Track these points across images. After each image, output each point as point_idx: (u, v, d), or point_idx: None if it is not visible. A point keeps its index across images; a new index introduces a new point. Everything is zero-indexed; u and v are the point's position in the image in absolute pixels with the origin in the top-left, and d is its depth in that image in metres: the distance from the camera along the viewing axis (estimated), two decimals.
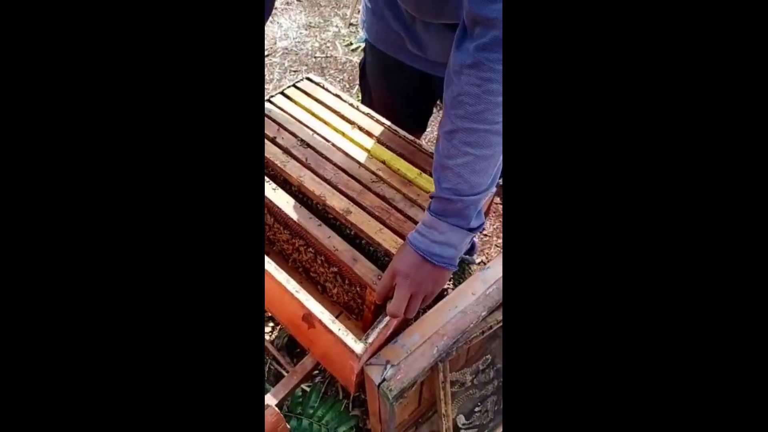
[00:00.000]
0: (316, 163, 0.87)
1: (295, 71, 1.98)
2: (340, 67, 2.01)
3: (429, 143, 1.58)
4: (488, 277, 0.78)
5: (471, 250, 1.33)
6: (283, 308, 0.80)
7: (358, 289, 0.79)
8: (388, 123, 0.95)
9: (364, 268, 0.75)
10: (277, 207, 0.82)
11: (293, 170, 0.86)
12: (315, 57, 2.04)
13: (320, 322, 0.70)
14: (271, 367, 1.09)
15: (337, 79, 1.95)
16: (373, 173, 0.86)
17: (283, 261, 0.94)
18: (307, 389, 1.01)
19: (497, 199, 1.52)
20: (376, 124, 0.94)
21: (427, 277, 0.65)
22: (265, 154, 0.88)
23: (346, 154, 0.89)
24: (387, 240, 0.77)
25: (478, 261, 1.38)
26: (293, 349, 1.11)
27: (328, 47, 2.09)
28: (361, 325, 0.85)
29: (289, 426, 0.83)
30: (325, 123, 0.94)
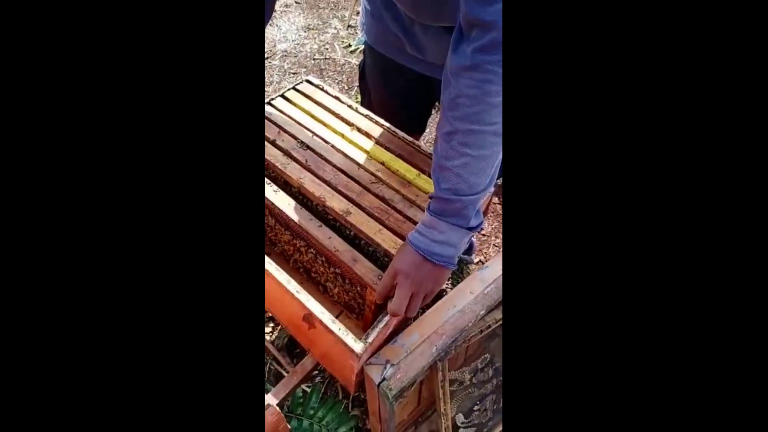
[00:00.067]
0: (316, 165, 0.87)
1: (294, 73, 1.99)
2: (339, 68, 2.01)
3: (427, 144, 1.59)
4: (486, 277, 0.78)
5: (469, 249, 1.34)
6: (284, 308, 0.81)
7: (358, 288, 0.80)
8: (386, 124, 0.95)
9: (364, 268, 0.75)
10: (279, 209, 0.82)
11: (293, 172, 0.86)
12: (314, 59, 2.05)
13: (321, 322, 0.70)
14: (272, 367, 1.09)
15: (336, 81, 1.96)
16: (373, 174, 0.87)
17: (284, 262, 0.94)
18: (308, 390, 1.01)
19: (495, 199, 1.53)
20: (375, 125, 0.95)
21: (428, 276, 0.66)
22: (266, 156, 0.89)
23: (346, 156, 0.89)
24: (386, 240, 0.78)
25: (476, 260, 1.39)
26: (293, 349, 1.12)
27: (327, 49, 2.10)
28: (362, 324, 0.85)
29: (289, 426, 0.83)
30: (325, 125, 0.95)
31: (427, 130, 1.35)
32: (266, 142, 0.91)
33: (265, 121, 0.95)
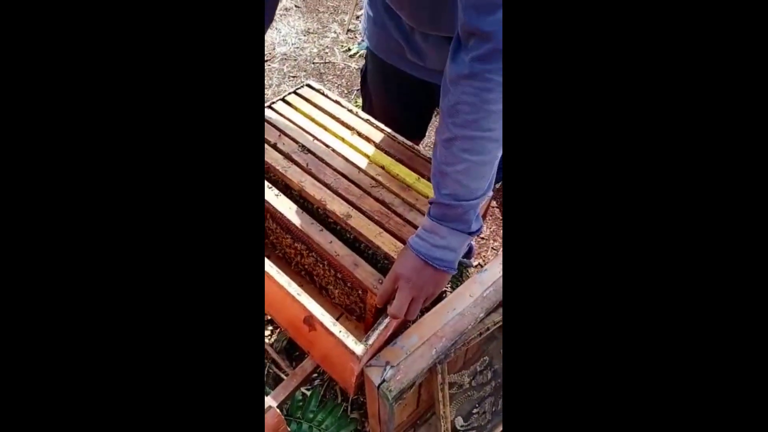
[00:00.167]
0: (317, 169, 0.88)
1: (293, 77, 1.99)
2: (339, 72, 2.02)
3: (426, 148, 1.60)
4: (485, 280, 0.79)
5: (468, 253, 1.35)
6: (284, 311, 0.81)
7: (359, 292, 0.81)
8: (386, 129, 0.96)
9: (365, 272, 0.76)
10: (280, 213, 0.83)
11: (294, 175, 0.87)
12: (313, 63, 2.06)
13: (321, 324, 0.71)
14: (270, 370, 1.09)
15: (336, 85, 1.97)
16: (373, 178, 0.87)
17: (285, 265, 0.95)
18: (307, 393, 1.01)
19: (494, 203, 1.53)
20: (375, 130, 0.96)
21: (429, 281, 0.67)
22: (267, 160, 0.89)
23: (346, 160, 0.90)
24: (386, 243, 0.78)
25: (475, 264, 1.39)
26: (292, 352, 1.12)
27: (327, 53, 2.11)
28: (363, 327, 0.86)
29: (289, 429, 0.83)
30: (325, 129, 0.96)
31: (426, 135, 1.36)
32: (267, 146, 0.92)
33: (266, 124, 0.95)
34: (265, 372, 1.09)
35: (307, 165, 0.89)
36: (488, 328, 0.75)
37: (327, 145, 0.92)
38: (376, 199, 0.84)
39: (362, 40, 2.11)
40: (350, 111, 0.99)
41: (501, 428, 0.90)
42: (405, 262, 0.67)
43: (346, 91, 1.94)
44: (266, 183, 0.87)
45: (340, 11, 2.34)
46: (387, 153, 0.92)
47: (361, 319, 0.85)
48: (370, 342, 0.70)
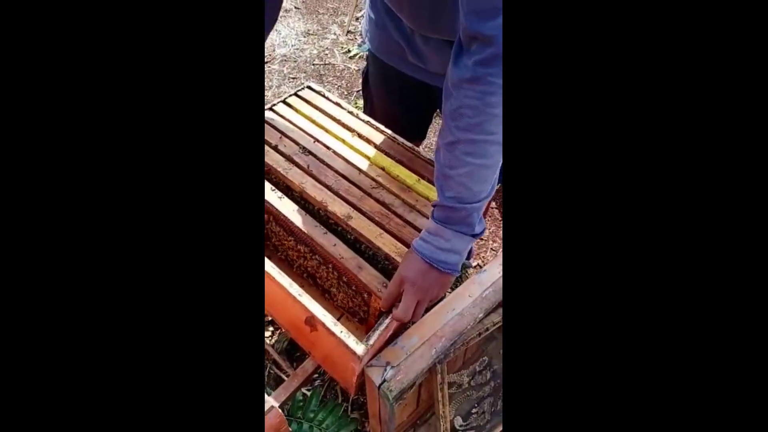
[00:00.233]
0: (318, 170, 0.89)
1: (293, 78, 2.00)
2: (338, 74, 2.03)
3: (426, 149, 1.61)
4: (484, 280, 0.80)
5: (468, 254, 1.35)
6: (285, 312, 0.82)
7: (364, 296, 0.81)
8: (386, 130, 0.97)
9: (369, 275, 0.76)
10: (284, 215, 0.83)
11: (295, 177, 0.88)
12: (313, 64, 2.07)
13: (323, 324, 0.71)
14: (272, 371, 1.10)
15: (336, 86, 1.98)
16: (373, 179, 0.88)
17: (288, 267, 0.96)
18: (308, 393, 1.02)
19: (493, 204, 1.54)
20: (375, 131, 0.97)
21: (434, 283, 0.68)
22: (268, 162, 0.90)
23: (347, 161, 0.91)
24: (387, 244, 0.79)
25: (474, 264, 1.40)
26: (293, 353, 1.13)
27: (327, 54, 2.12)
28: (364, 329, 0.86)
29: (290, 429, 0.84)
30: (326, 131, 0.97)
31: (426, 137, 1.36)
32: (268, 148, 0.93)
33: (268, 126, 0.96)
34: (267, 373, 1.09)
35: (308, 167, 0.89)
36: (487, 329, 0.76)
37: (328, 147, 0.93)
38: (377, 201, 0.85)
39: (362, 42, 2.11)
40: (350, 113, 1.00)
41: (500, 428, 0.90)
42: (410, 266, 0.68)
43: (345, 92, 1.95)
44: (269, 185, 0.88)
45: (339, 13, 2.35)
46: (387, 154, 0.92)
47: (363, 322, 0.86)
48: (371, 342, 0.71)
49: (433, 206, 0.68)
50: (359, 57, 2.08)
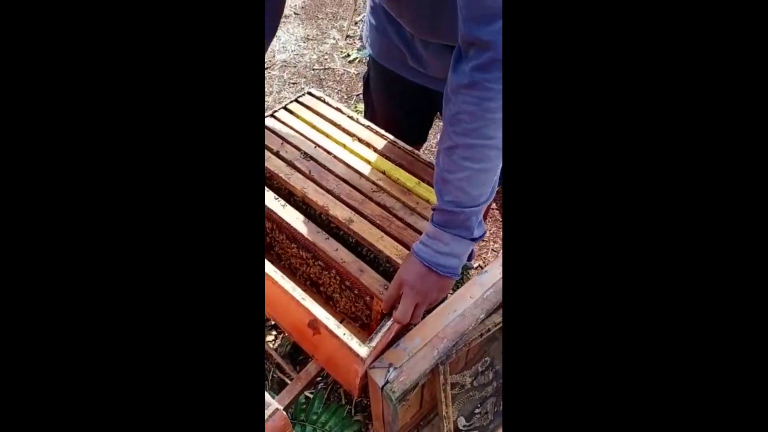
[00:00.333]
0: (319, 175, 0.90)
1: (293, 83, 2.01)
2: (338, 78, 2.04)
3: (426, 153, 1.62)
4: (485, 281, 0.80)
5: (469, 256, 1.36)
6: (289, 315, 0.82)
7: (366, 299, 0.82)
8: (386, 134, 0.98)
9: (370, 278, 0.77)
10: (287, 222, 0.84)
11: (297, 182, 0.89)
12: (313, 69, 2.08)
13: (326, 327, 0.72)
14: (275, 374, 1.10)
15: (335, 91, 1.99)
16: (374, 183, 0.89)
17: (291, 275, 0.96)
18: (311, 396, 1.03)
19: (494, 205, 1.55)
20: (375, 136, 0.98)
21: (432, 287, 0.68)
22: (270, 167, 0.91)
23: (348, 166, 0.92)
24: (388, 247, 0.80)
25: (475, 265, 1.41)
26: (296, 356, 1.13)
27: (326, 59, 2.13)
28: (366, 333, 0.87)
29: None
30: (327, 136, 0.98)
31: (426, 139, 1.37)
32: (270, 154, 0.94)
33: (269, 132, 0.97)
34: (270, 376, 1.10)
35: (310, 172, 0.90)
36: (489, 329, 0.77)
37: (328, 152, 0.94)
38: (378, 204, 0.86)
39: (362, 47, 2.13)
40: (351, 118, 1.01)
41: (502, 428, 0.91)
42: (409, 269, 0.69)
43: (345, 96, 1.96)
44: (272, 192, 0.89)
45: (338, 17, 2.36)
46: (387, 158, 0.93)
47: (365, 327, 0.87)
48: (374, 344, 0.71)
49: (433, 210, 0.68)
50: (358, 61, 2.10)
